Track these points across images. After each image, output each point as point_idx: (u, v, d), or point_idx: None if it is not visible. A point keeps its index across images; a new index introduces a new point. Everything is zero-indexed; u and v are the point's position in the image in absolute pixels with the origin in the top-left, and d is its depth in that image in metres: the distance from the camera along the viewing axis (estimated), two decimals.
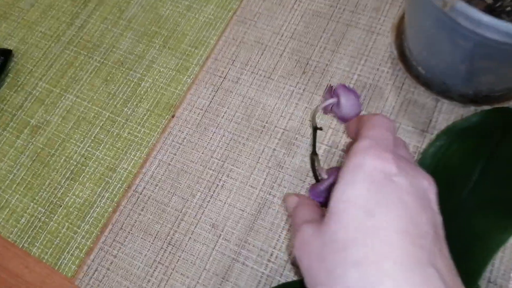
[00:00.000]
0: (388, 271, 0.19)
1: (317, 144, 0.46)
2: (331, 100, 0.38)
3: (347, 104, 0.37)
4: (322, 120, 0.47)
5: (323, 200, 0.35)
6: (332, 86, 0.39)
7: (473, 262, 0.27)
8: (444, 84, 0.43)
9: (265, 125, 0.48)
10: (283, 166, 0.46)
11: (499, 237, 0.27)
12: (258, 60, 0.51)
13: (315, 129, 0.39)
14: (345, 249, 0.21)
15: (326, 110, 0.40)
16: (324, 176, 0.35)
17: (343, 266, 0.21)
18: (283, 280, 0.40)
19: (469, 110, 0.44)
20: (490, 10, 0.35)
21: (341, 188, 0.23)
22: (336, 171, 0.35)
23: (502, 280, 0.38)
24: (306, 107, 0.48)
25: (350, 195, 0.22)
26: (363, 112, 0.46)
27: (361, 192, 0.22)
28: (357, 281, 0.20)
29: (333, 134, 0.46)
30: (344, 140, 0.46)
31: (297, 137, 0.47)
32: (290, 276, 0.41)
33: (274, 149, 0.46)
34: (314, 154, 0.41)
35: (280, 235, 0.43)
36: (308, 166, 0.45)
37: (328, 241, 0.22)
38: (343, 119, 0.39)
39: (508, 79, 0.40)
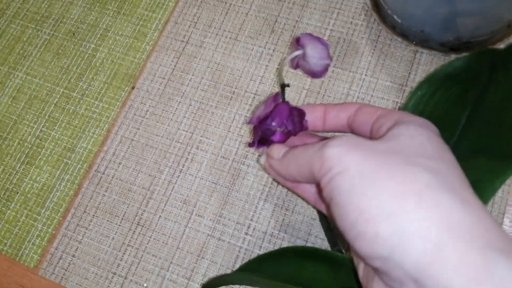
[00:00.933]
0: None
1: None
2: (297, 52, 0.35)
3: (314, 54, 0.34)
4: (295, 81, 0.43)
5: (253, 123, 0.33)
6: (298, 38, 0.35)
7: None
8: (422, 33, 0.40)
9: (234, 91, 0.44)
10: None
11: (492, 184, 0.24)
12: (223, 21, 0.47)
13: (282, 86, 0.36)
14: (417, 156, 0.20)
15: (293, 65, 0.36)
16: None
17: (416, 167, 0.20)
18: (262, 253, 0.38)
19: (450, 60, 0.41)
20: None
21: (412, 126, 0.22)
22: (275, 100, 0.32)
23: None
24: (277, 69, 0.44)
25: (423, 133, 0.22)
26: (337, 70, 0.43)
27: (432, 135, 0.23)
28: (430, 181, 0.19)
29: (307, 95, 0.43)
30: (319, 101, 0.43)
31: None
32: (269, 247, 0.38)
33: (246, 116, 0.43)
34: None
35: (257, 206, 0.40)
36: None
37: (395, 150, 0.21)
38: (312, 73, 0.36)
39: (492, 21, 0.37)
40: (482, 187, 0.25)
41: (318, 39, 0.35)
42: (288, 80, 0.43)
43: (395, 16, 0.41)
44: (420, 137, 0.22)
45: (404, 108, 0.35)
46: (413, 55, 0.42)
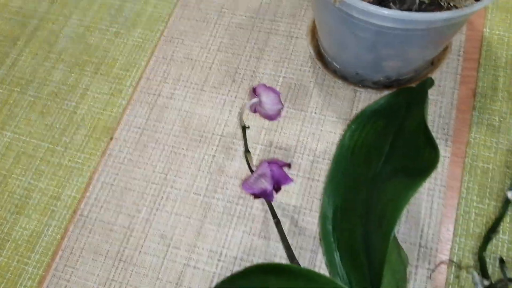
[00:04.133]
0: None
1: (254, 145, 0.49)
2: (254, 100, 0.41)
3: (267, 101, 0.40)
4: (254, 122, 0.50)
5: (254, 191, 0.38)
6: (254, 88, 0.42)
7: (386, 221, 0.30)
8: (357, 75, 0.47)
9: (202, 134, 0.50)
10: (223, 170, 0.48)
11: (405, 196, 0.30)
12: (189, 75, 0.54)
13: (243, 128, 0.42)
14: None
15: (252, 110, 0.42)
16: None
17: None
18: None
19: (385, 96, 0.48)
20: (380, 0, 0.39)
21: None
22: (263, 163, 0.38)
23: (432, 243, 0.42)
24: (239, 113, 0.51)
25: None
26: (290, 111, 0.50)
27: None
28: None
29: (266, 134, 0.49)
30: (277, 138, 0.49)
31: (234, 141, 0.49)
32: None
33: (214, 156, 0.49)
34: (246, 152, 0.43)
35: (227, 234, 0.44)
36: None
37: None
38: (267, 117, 0.42)
39: (411, 62, 0.44)
40: (399, 199, 0.30)
41: (271, 88, 0.41)
42: (250, 121, 0.49)
43: (334, 63, 0.48)
44: None
45: (342, 139, 0.41)
46: (354, 93, 0.49)
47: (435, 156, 0.30)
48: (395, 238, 0.37)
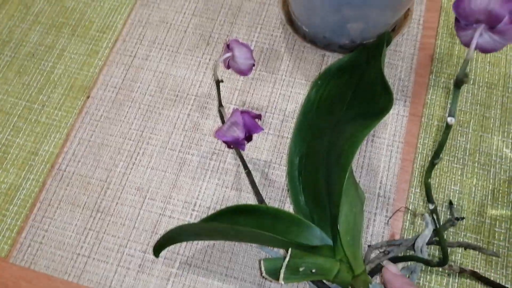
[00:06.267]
0: None
1: (227, 105, 0.51)
2: (227, 54, 0.43)
3: (240, 55, 0.43)
4: (228, 83, 0.52)
5: (227, 139, 0.40)
6: (228, 43, 0.44)
7: (344, 155, 0.33)
8: (325, 38, 0.50)
9: (177, 94, 0.52)
10: (198, 128, 0.50)
11: (362, 133, 0.33)
12: (165, 38, 0.55)
13: (217, 82, 0.44)
14: None
15: (226, 65, 0.45)
16: None
17: None
18: None
19: (348, 54, 0.51)
20: None
21: None
22: (235, 112, 0.40)
23: (389, 193, 0.46)
24: (214, 66, 0.53)
25: None
26: (262, 73, 0.52)
27: None
28: None
29: (239, 94, 0.52)
30: (249, 99, 0.51)
31: (208, 101, 0.52)
32: None
33: (189, 114, 0.51)
34: (220, 106, 0.46)
35: (201, 187, 0.47)
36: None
37: None
38: (240, 71, 0.45)
39: (374, 25, 0.47)
40: (356, 136, 0.34)
41: (244, 44, 0.44)
42: (223, 82, 0.52)
43: (303, 27, 0.51)
44: None
45: (308, 94, 0.44)
46: (322, 58, 0.52)
47: (389, 100, 0.33)
48: (352, 176, 0.40)
